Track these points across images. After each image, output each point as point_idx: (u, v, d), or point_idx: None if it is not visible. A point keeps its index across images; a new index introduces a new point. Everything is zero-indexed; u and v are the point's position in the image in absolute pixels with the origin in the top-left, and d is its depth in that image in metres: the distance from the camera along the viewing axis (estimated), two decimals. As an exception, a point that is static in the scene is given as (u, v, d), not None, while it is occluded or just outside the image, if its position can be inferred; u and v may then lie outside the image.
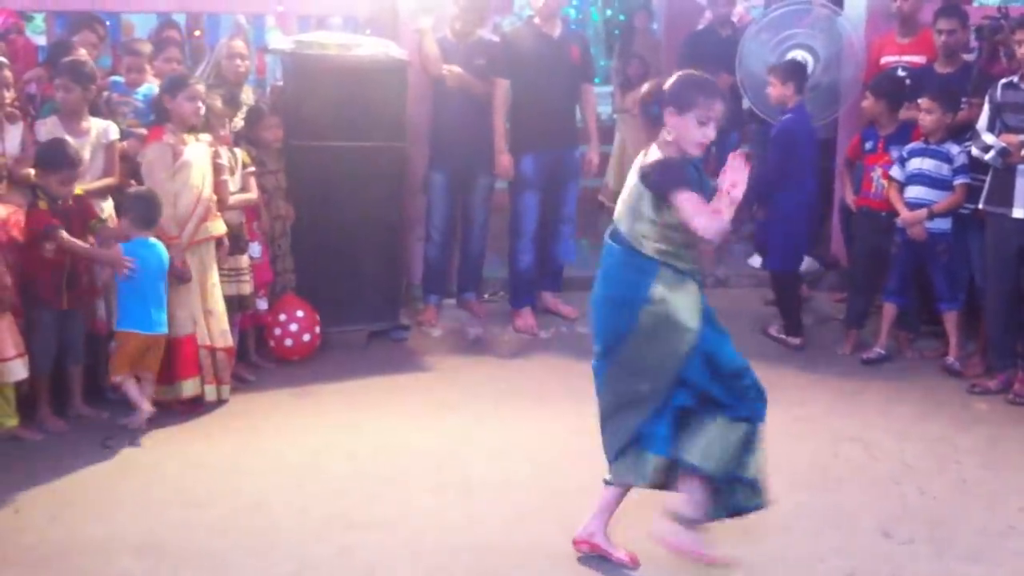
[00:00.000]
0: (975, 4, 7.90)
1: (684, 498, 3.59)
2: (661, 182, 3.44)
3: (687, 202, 3.37)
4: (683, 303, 3.52)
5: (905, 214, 5.91)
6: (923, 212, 5.85)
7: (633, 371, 3.57)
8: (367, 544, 3.85)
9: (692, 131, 3.47)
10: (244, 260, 5.64)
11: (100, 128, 5.22)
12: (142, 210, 4.98)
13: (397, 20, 6.77)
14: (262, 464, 4.61)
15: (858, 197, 6.35)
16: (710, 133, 3.48)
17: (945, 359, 5.94)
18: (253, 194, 5.66)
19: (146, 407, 4.94)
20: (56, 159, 4.82)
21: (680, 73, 3.58)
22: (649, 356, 3.54)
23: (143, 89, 5.74)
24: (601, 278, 3.66)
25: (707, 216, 3.36)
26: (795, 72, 6.40)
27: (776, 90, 6.37)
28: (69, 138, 4.99)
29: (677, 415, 3.54)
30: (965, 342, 6.09)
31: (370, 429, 5.04)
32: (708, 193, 3.51)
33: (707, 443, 3.51)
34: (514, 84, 6.42)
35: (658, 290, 3.50)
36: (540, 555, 3.78)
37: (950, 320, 5.98)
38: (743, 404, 3.54)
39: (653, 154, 3.54)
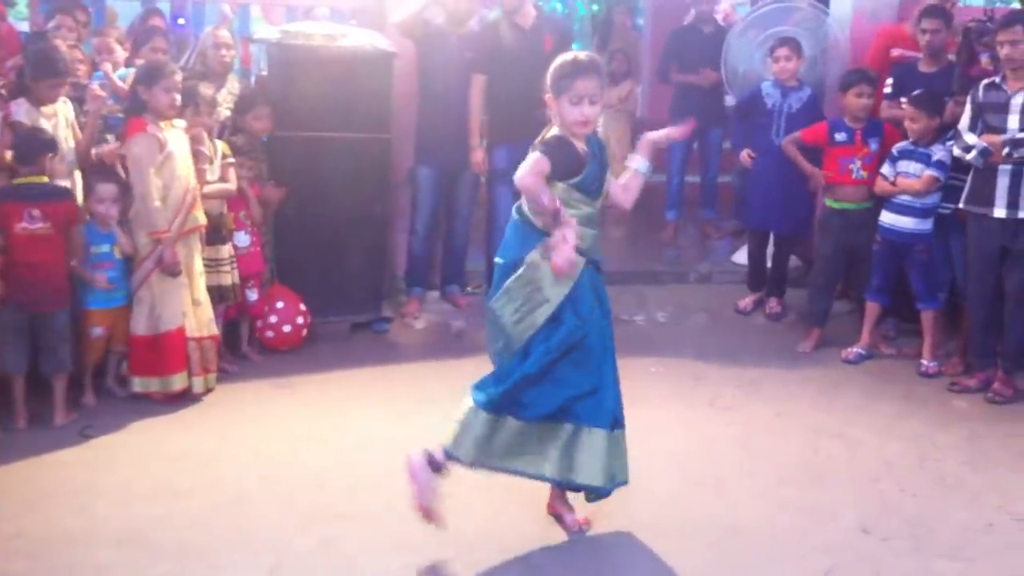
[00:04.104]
0: (961, 5, 7.93)
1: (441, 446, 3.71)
2: (543, 146, 3.61)
3: (530, 159, 3.57)
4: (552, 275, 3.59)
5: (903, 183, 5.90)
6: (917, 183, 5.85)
7: (495, 328, 3.73)
8: (349, 536, 3.84)
9: (568, 113, 3.59)
10: (225, 250, 5.61)
11: (62, 107, 5.20)
12: None
13: (383, 12, 6.75)
14: (244, 456, 4.59)
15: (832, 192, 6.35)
16: (587, 111, 3.58)
17: (920, 363, 5.95)
18: (232, 184, 5.62)
19: None
20: None
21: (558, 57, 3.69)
22: (507, 316, 3.66)
23: (119, 73, 5.73)
24: (502, 245, 3.80)
25: (534, 176, 3.53)
26: (802, 48, 6.80)
27: (793, 64, 6.66)
28: (43, 121, 5.04)
29: (518, 384, 3.64)
30: (945, 341, 6.13)
31: (352, 421, 5.03)
32: (600, 180, 3.69)
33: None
34: (490, 78, 6.41)
35: (533, 255, 3.61)
36: (524, 545, 3.78)
37: (927, 320, 6.01)
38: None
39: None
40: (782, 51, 6.67)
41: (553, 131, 3.67)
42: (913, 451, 4.82)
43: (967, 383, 5.65)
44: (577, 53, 3.73)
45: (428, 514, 3.70)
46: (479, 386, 3.73)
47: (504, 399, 3.64)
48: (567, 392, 3.64)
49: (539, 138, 3.68)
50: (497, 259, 3.77)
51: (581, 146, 3.64)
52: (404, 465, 3.73)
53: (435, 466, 3.70)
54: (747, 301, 7.05)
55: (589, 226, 3.67)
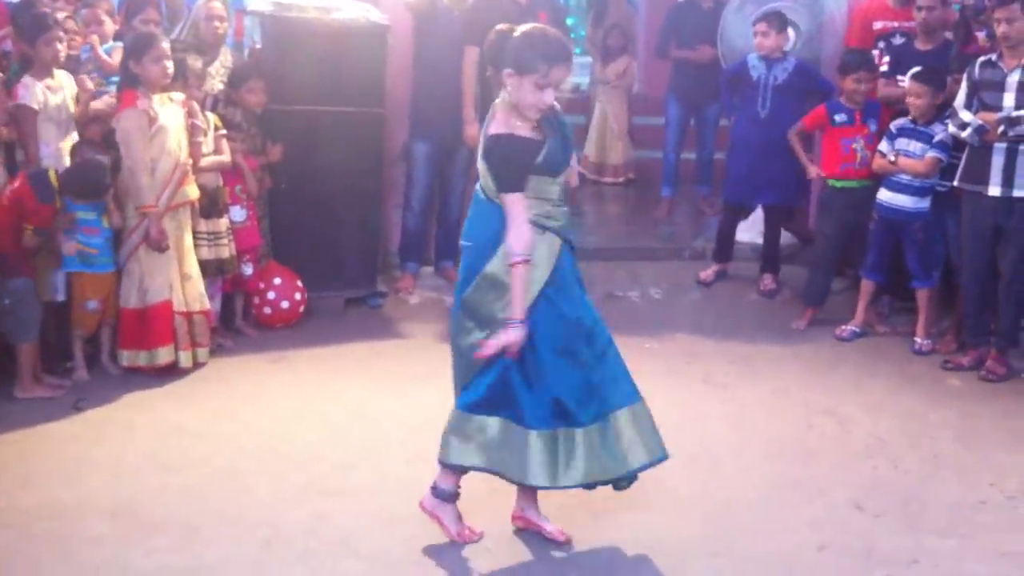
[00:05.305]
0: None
1: (439, 470, 3.62)
2: (500, 177, 3.35)
3: (512, 208, 3.33)
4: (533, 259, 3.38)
5: (904, 162, 5.85)
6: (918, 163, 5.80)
7: (472, 318, 3.46)
8: (341, 511, 3.84)
9: (528, 95, 3.31)
10: (223, 224, 5.59)
11: (67, 80, 5.19)
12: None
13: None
14: (237, 430, 4.59)
15: (839, 170, 6.31)
16: (548, 99, 3.31)
17: (914, 341, 5.94)
18: (226, 156, 5.59)
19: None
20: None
21: (526, 29, 3.37)
22: (485, 306, 3.42)
23: (105, 47, 5.70)
24: (468, 226, 3.56)
25: (521, 229, 3.31)
26: (787, 21, 6.65)
27: (771, 40, 6.53)
28: (50, 94, 5.02)
29: (502, 376, 3.42)
30: (939, 319, 6.14)
31: (346, 397, 5.03)
32: (565, 153, 3.45)
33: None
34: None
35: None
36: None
37: (922, 298, 6.01)
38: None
39: (499, 122, 3.38)
40: (760, 26, 6.59)
41: (495, 125, 3.37)
42: (906, 428, 4.82)
43: (960, 361, 5.66)
44: (554, 33, 3.40)
45: (467, 535, 3.64)
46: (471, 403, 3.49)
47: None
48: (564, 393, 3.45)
49: (483, 132, 3.40)
50: (464, 242, 3.52)
51: (525, 128, 3.37)
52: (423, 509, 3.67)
53: (442, 495, 3.62)
54: (708, 272, 7.07)
55: (561, 204, 3.44)
